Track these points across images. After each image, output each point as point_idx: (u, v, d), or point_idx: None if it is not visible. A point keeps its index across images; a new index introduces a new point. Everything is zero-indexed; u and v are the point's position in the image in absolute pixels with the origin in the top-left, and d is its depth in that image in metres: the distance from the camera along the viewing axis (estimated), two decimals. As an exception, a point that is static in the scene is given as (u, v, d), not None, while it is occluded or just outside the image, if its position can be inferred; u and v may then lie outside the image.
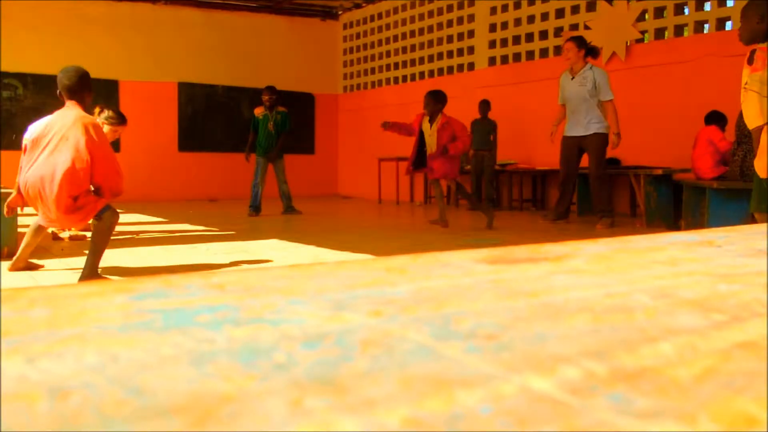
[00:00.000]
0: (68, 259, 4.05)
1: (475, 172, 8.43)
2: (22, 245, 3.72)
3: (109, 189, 3.48)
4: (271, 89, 7.63)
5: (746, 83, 3.10)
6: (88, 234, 5.57)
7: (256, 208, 7.65)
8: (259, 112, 7.79)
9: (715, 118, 6.08)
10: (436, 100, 5.97)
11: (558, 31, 8.68)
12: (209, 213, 8.22)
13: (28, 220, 5.62)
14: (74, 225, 3.71)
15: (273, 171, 7.86)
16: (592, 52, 6.28)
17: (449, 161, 5.92)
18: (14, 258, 3.74)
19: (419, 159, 6.09)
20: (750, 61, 3.13)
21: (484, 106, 8.40)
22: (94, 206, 3.44)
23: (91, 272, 3.44)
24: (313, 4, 12.09)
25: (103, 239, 3.49)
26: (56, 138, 3.37)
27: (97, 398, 0.22)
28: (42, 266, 3.80)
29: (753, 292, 0.40)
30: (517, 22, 9.23)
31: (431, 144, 5.96)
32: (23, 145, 3.49)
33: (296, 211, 7.89)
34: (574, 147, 6.28)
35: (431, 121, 6.00)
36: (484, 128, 8.36)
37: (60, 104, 3.55)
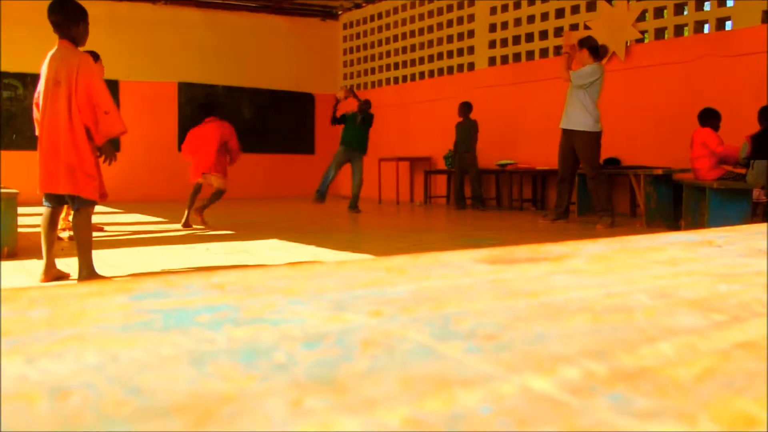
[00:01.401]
0: (68, 259, 4.05)
1: (459, 173, 8.55)
2: (44, 250, 3.41)
3: (99, 132, 3.29)
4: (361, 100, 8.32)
5: None
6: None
7: (321, 195, 7.86)
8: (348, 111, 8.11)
9: (709, 117, 6.06)
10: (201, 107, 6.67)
11: (558, 31, 8.68)
12: (209, 213, 8.22)
13: (27, 220, 5.62)
14: (62, 187, 3.30)
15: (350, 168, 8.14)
16: (593, 51, 6.25)
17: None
18: (43, 267, 3.42)
19: None
20: None
21: (465, 107, 8.47)
22: (86, 183, 3.27)
23: (89, 272, 3.39)
24: (313, 4, 12.09)
25: (86, 234, 3.38)
26: (46, 88, 3.27)
27: (97, 398, 0.22)
28: (69, 275, 3.56)
29: (753, 292, 0.40)
30: (517, 22, 9.23)
31: None
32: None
33: (358, 209, 8.02)
34: (566, 141, 6.30)
35: None
36: (465, 129, 8.43)
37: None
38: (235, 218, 7.52)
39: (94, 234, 5.66)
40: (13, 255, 4.24)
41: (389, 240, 5.30)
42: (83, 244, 3.38)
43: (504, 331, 0.31)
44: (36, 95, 3.45)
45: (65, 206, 3.65)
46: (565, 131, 6.29)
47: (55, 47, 3.34)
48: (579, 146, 6.17)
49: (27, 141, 9.94)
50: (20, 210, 4.54)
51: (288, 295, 0.38)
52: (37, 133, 3.51)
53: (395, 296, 0.38)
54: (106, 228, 6.03)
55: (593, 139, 6.15)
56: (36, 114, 3.47)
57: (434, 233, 6.11)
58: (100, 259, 4.28)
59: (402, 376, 0.25)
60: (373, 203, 10.42)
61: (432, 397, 0.23)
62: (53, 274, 3.45)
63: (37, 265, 3.81)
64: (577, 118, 6.15)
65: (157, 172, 11.10)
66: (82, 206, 3.35)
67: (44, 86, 3.30)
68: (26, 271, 3.73)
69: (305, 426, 0.20)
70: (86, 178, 3.29)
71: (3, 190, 4.40)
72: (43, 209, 3.44)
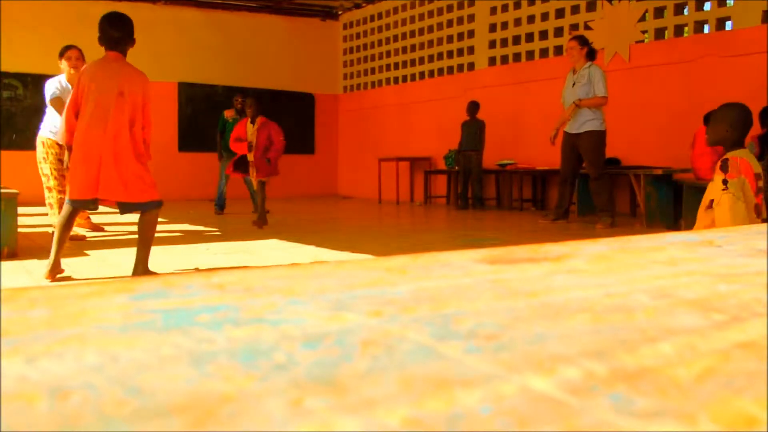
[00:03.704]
0: (68, 259, 4.04)
1: (463, 172, 8.55)
2: (54, 248, 3.37)
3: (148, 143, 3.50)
4: (244, 94, 7.88)
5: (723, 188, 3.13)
6: (88, 234, 5.57)
7: (221, 207, 7.96)
8: (229, 114, 7.91)
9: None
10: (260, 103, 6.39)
11: (558, 31, 8.69)
12: (209, 213, 8.23)
13: (27, 221, 5.62)
14: (127, 195, 3.39)
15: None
16: (590, 53, 6.28)
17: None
18: (49, 266, 3.38)
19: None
20: (724, 168, 3.17)
21: (473, 106, 8.49)
22: (151, 189, 3.41)
23: (145, 268, 3.46)
24: (313, 4, 12.09)
25: (152, 233, 3.50)
26: (105, 97, 3.31)
27: (97, 398, 0.22)
28: (71, 276, 3.56)
29: (753, 292, 0.40)
30: (517, 22, 9.23)
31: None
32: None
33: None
34: (569, 144, 6.29)
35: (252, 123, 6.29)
36: (473, 129, 8.44)
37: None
38: (235, 218, 7.52)
39: (94, 234, 5.67)
40: (13, 255, 4.24)
41: (389, 240, 5.30)
42: (147, 242, 3.48)
43: (504, 331, 0.31)
44: (71, 103, 3.39)
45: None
46: (568, 133, 6.29)
47: (106, 58, 3.44)
48: (585, 147, 6.16)
49: (27, 141, 9.94)
50: (20, 210, 4.53)
51: (288, 295, 0.38)
52: (65, 140, 3.45)
53: (395, 296, 0.38)
54: (106, 228, 6.03)
55: (599, 138, 6.15)
56: (68, 120, 3.40)
57: (434, 233, 6.11)
58: (101, 259, 4.28)
59: (402, 376, 0.25)
60: (373, 203, 10.42)
61: (432, 397, 0.23)
62: (57, 274, 3.46)
63: (37, 265, 3.81)
64: (583, 120, 6.15)
65: (156, 173, 11.07)
66: (152, 209, 3.47)
67: (99, 95, 3.31)
68: (26, 271, 3.73)
69: (305, 426, 0.20)
70: (150, 186, 3.44)
71: (3, 190, 4.40)
72: (65, 207, 3.43)
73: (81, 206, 3.47)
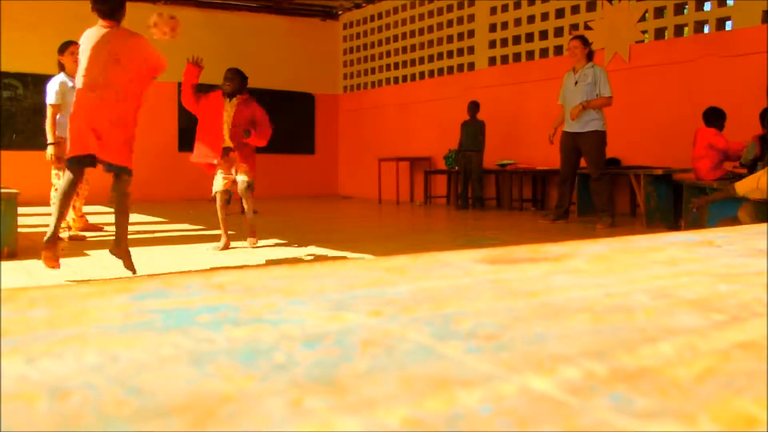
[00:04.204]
0: (68, 259, 4.04)
1: (463, 172, 8.55)
2: (56, 217, 3.37)
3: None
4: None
5: None
6: (88, 234, 5.57)
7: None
8: None
9: (713, 117, 6.05)
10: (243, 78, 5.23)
11: (558, 31, 8.69)
12: (209, 213, 8.23)
13: (28, 221, 5.62)
14: (118, 159, 3.50)
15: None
16: (590, 54, 6.31)
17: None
18: (49, 235, 3.31)
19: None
20: None
21: (473, 107, 8.49)
22: (130, 156, 3.53)
23: (126, 246, 3.54)
24: (313, 4, 12.09)
25: (127, 201, 3.58)
26: (99, 62, 3.41)
27: (97, 398, 0.22)
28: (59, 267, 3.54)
29: (753, 292, 0.40)
30: (517, 22, 9.23)
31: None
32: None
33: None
34: (570, 143, 6.29)
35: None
36: (473, 129, 8.45)
37: None
38: (235, 218, 7.52)
39: (94, 234, 5.67)
40: (13, 255, 4.24)
41: (389, 240, 5.30)
42: (124, 213, 3.59)
43: (504, 331, 0.31)
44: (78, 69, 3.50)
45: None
46: (569, 132, 6.29)
47: (101, 25, 3.49)
48: (587, 147, 6.17)
49: (27, 141, 9.94)
50: (20, 210, 4.53)
51: (288, 295, 0.38)
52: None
53: (395, 296, 0.38)
54: (105, 228, 6.03)
55: (602, 138, 6.17)
56: (79, 82, 3.49)
57: (434, 233, 6.11)
58: (101, 259, 4.28)
59: (402, 376, 0.25)
60: (373, 203, 10.42)
61: (432, 397, 0.23)
62: (58, 246, 3.46)
63: (37, 265, 3.80)
64: (587, 119, 6.16)
65: (157, 172, 11.09)
66: (128, 175, 3.57)
67: (93, 59, 3.40)
68: (26, 271, 3.72)
69: (305, 426, 0.20)
70: (126, 152, 3.54)
71: (3, 190, 4.40)
72: (66, 172, 3.45)
73: (79, 164, 3.48)
